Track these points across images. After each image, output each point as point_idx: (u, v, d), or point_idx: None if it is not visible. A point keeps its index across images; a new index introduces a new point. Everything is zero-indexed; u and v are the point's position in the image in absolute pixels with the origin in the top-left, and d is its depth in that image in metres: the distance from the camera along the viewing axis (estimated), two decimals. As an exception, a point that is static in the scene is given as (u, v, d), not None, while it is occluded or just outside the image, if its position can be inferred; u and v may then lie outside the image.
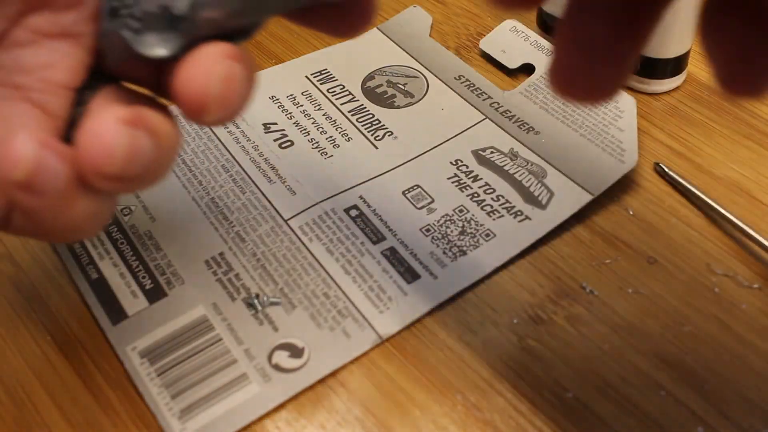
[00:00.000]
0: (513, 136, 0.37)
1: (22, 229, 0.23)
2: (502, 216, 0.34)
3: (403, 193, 0.35)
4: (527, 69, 0.41)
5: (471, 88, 0.40)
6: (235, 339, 0.30)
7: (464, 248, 0.33)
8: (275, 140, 0.37)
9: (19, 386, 0.29)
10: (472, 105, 0.39)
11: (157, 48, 0.21)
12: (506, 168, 0.36)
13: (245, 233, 0.33)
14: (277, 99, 0.40)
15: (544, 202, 0.34)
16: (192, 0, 0.21)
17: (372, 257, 0.32)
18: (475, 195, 0.35)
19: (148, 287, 0.31)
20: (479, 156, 0.36)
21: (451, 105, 0.39)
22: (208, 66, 0.21)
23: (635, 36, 0.18)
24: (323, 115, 0.39)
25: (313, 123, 0.38)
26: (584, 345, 0.30)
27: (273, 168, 0.36)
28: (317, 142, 0.37)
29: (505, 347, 0.30)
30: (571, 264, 0.32)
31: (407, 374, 0.29)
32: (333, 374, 0.29)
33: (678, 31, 0.38)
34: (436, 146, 0.37)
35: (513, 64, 0.41)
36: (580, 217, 0.34)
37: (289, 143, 0.37)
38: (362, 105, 0.39)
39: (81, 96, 0.23)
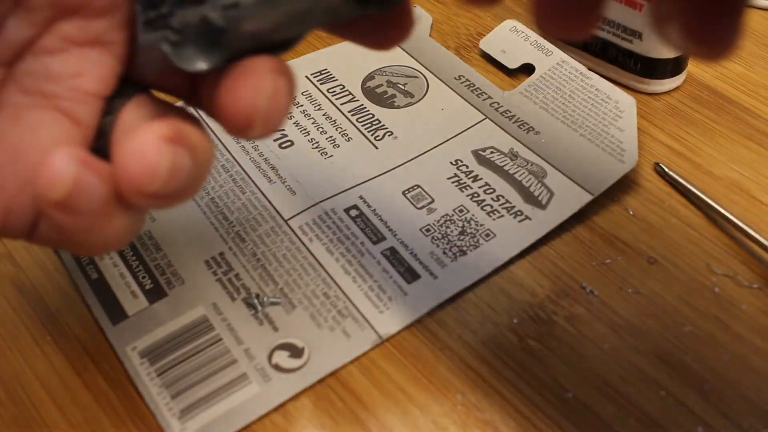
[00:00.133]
0: (513, 136, 0.37)
1: (49, 241, 0.22)
2: (502, 216, 0.34)
3: (403, 193, 0.35)
4: (527, 69, 0.41)
5: (471, 88, 0.40)
6: (235, 339, 0.30)
7: (464, 248, 0.33)
8: (275, 140, 0.37)
9: (19, 386, 0.29)
10: (472, 105, 0.39)
11: (198, 62, 0.21)
12: (506, 168, 0.36)
13: (245, 233, 0.33)
14: (277, 99, 0.40)
15: (544, 202, 0.34)
16: (234, 13, 0.20)
17: (372, 257, 0.32)
18: (475, 195, 0.35)
19: (148, 287, 0.31)
20: (479, 156, 0.36)
21: (451, 105, 0.39)
22: (255, 81, 0.20)
23: None
24: (323, 115, 0.39)
25: (313, 123, 0.38)
26: (584, 345, 0.30)
27: (273, 168, 0.36)
28: (317, 142, 0.37)
29: (505, 347, 0.30)
30: (571, 264, 0.32)
31: (407, 374, 0.29)
32: (333, 374, 0.29)
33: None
34: (436, 146, 0.37)
35: (513, 64, 0.41)
36: (580, 217, 0.34)
37: (289, 143, 0.37)
38: (362, 105, 0.39)
39: (111, 105, 0.22)
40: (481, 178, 0.35)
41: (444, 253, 0.32)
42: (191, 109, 0.24)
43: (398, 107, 0.39)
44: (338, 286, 0.31)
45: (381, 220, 0.34)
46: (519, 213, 0.34)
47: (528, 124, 0.38)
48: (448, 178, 0.35)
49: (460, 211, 0.34)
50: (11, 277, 0.32)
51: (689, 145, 0.38)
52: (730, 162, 0.37)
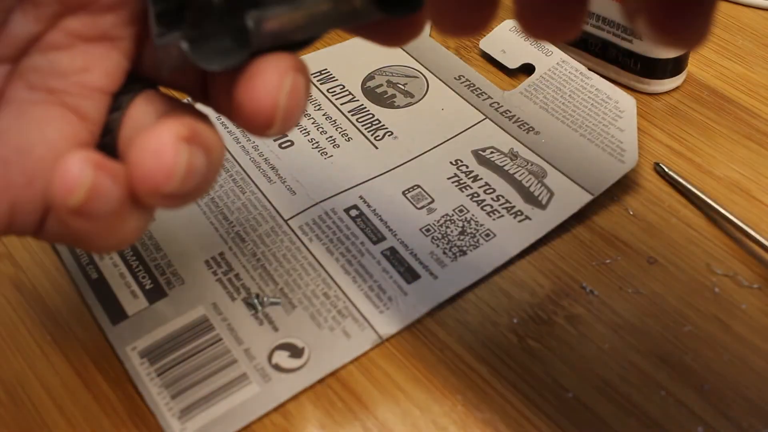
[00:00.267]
0: (513, 136, 0.37)
1: (57, 238, 0.22)
2: (502, 216, 0.34)
3: (403, 193, 0.35)
4: (527, 69, 0.41)
5: (471, 88, 0.40)
6: (235, 339, 0.30)
7: (464, 248, 0.33)
8: (275, 140, 0.37)
9: (19, 386, 0.29)
10: (472, 105, 0.39)
11: (218, 61, 0.20)
12: (506, 168, 0.36)
13: (245, 233, 0.33)
14: (277, 99, 0.40)
15: (544, 202, 0.34)
16: (258, 13, 0.20)
17: (372, 257, 0.32)
18: (475, 195, 0.35)
19: (148, 287, 0.31)
20: (479, 156, 0.36)
21: (451, 105, 0.39)
22: (276, 79, 0.20)
23: None
24: (323, 115, 0.39)
25: (313, 123, 0.38)
26: (584, 345, 0.30)
27: (273, 168, 0.36)
28: (317, 142, 0.37)
29: (505, 347, 0.30)
30: (571, 264, 0.32)
31: (407, 374, 0.29)
32: (333, 374, 0.29)
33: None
34: (436, 146, 0.37)
35: (513, 64, 0.41)
36: (580, 217, 0.34)
37: (289, 143, 0.37)
38: (362, 105, 0.39)
39: (118, 101, 0.22)
40: (481, 178, 0.35)
41: (444, 253, 0.32)
42: (199, 106, 0.24)
43: (398, 107, 0.39)
44: (338, 286, 0.31)
45: (381, 220, 0.34)
46: (519, 213, 0.34)
47: (528, 124, 0.38)
48: (448, 178, 0.35)
49: (460, 211, 0.34)
50: (11, 277, 0.32)
51: (689, 145, 0.38)
52: (730, 162, 0.37)
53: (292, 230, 0.33)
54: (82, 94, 0.22)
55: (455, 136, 0.37)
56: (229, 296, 0.31)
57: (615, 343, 0.30)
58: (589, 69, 0.40)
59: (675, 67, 0.40)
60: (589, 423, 0.28)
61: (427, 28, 0.44)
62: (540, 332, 0.30)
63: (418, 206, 0.34)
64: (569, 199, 0.34)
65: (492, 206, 0.34)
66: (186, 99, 0.23)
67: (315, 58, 0.42)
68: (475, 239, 0.33)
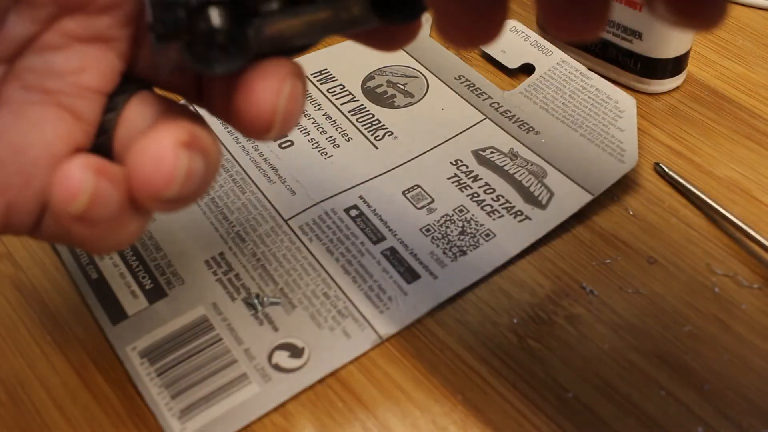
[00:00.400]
0: (513, 136, 0.37)
1: (54, 237, 0.22)
2: (502, 216, 0.34)
3: (403, 193, 0.35)
4: (527, 69, 0.41)
5: (471, 88, 0.40)
6: (235, 339, 0.30)
7: (464, 248, 0.33)
8: (275, 140, 0.37)
9: (19, 386, 0.29)
10: (472, 105, 0.39)
11: (217, 65, 0.20)
12: (506, 168, 0.36)
13: (245, 233, 0.33)
14: (277, 99, 0.40)
15: (544, 202, 0.34)
16: (258, 20, 0.20)
17: (372, 257, 0.32)
18: (475, 195, 0.35)
19: (148, 287, 0.31)
20: (479, 156, 0.36)
21: (451, 105, 0.39)
22: (275, 84, 0.21)
23: None
24: (323, 115, 0.39)
25: (313, 123, 0.38)
26: (584, 345, 0.30)
27: (273, 168, 0.36)
28: (317, 142, 0.37)
29: (505, 347, 0.30)
30: (571, 264, 0.32)
31: (407, 374, 0.29)
32: (333, 374, 0.29)
33: (678, 32, 0.38)
34: (436, 146, 0.37)
35: (513, 64, 0.41)
36: (580, 217, 0.34)
37: (289, 143, 0.37)
38: (362, 105, 0.39)
39: (113, 101, 0.22)
40: (481, 178, 0.35)
41: (444, 253, 0.32)
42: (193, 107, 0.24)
43: (398, 107, 0.39)
44: (338, 286, 0.31)
45: (381, 220, 0.34)
46: (519, 213, 0.34)
47: (528, 124, 0.38)
48: (448, 178, 0.35)
49: (460, 211, 0.34)
50: (11, 277, 0.32)
51: (689, 145, 0.38)
52: (730, 162, 0.37)
53: (292, 230, 0.33)
54: (78, 94, 0.22)
55: (455, 136, 0.38)
56: (229, 296, 0.31)
57: (615, 343, 0.30)
58: (589, 69, 0.40)
59: (675, 67, 0.40)
60: (589, 423, 0.28)
61: (427, 29, 0.44)
62: (540, 332, 0.30)
63: (418, 206, 0.34)
64: (569, 199, 0.34)
65: (492, 206, 0.34)
66: (181, 100, 0.23)
67: (315, 58, 0.42)
68: (475, 239, 0.33)
